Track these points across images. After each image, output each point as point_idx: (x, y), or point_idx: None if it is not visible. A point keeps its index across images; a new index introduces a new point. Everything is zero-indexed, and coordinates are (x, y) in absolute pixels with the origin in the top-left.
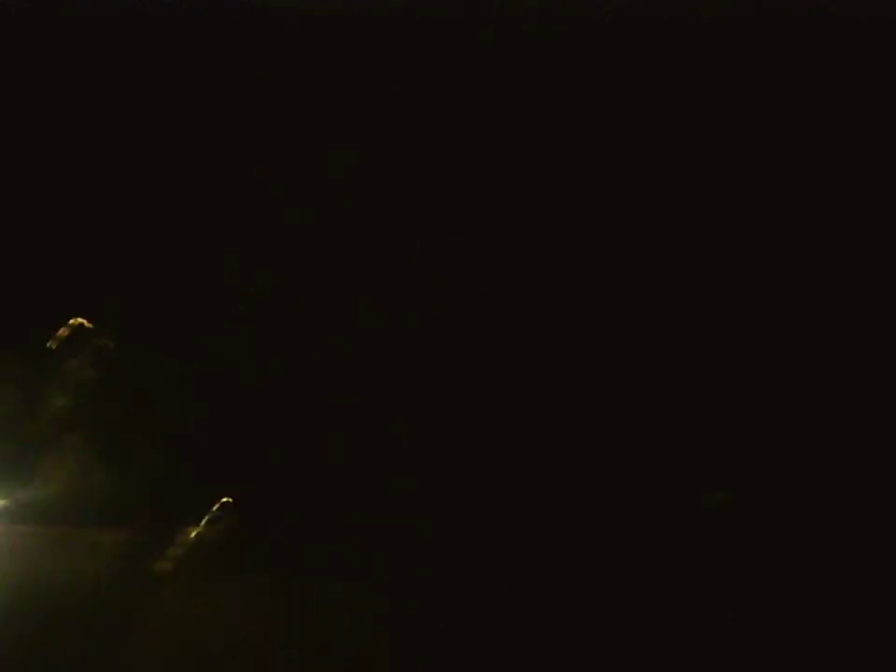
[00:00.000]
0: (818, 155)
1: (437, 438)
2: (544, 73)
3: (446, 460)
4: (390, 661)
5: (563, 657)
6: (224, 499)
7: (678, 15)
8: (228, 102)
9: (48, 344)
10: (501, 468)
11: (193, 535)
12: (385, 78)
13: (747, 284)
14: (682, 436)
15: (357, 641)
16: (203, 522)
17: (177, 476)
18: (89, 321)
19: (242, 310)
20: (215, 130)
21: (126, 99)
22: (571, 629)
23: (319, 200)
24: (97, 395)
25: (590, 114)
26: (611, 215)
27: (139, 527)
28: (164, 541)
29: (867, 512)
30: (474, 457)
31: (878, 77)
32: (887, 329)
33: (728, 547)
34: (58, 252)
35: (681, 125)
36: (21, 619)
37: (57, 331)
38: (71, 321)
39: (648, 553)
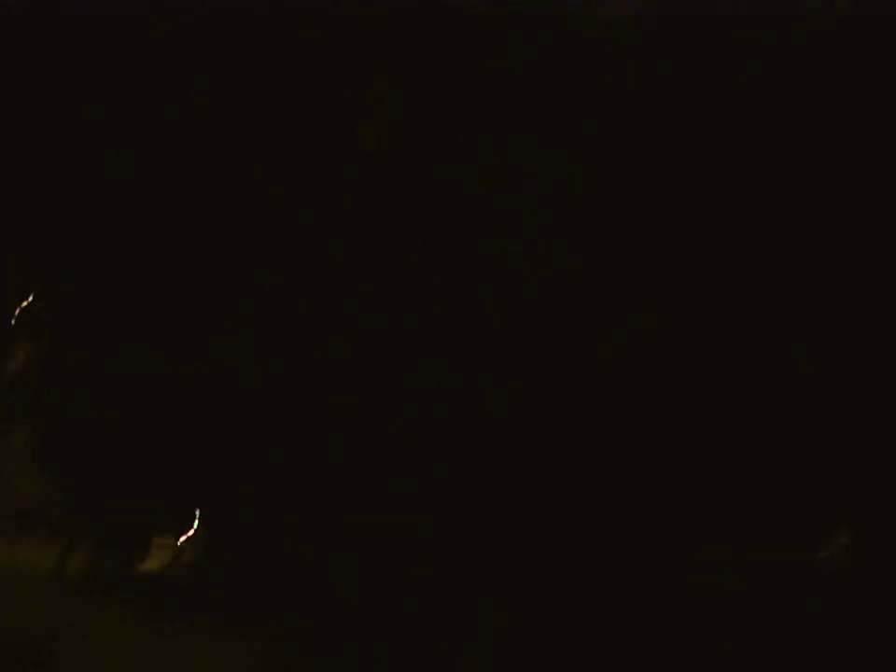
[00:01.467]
0: (819, 158)
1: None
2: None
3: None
4: None
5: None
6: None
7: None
8: (229, 102)
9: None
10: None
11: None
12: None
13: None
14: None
15: None
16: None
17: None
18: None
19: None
20: (215, 130)
21: (127, 99)
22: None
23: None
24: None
25: (593, 117)
26: (615, 218)
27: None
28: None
29: None
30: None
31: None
32: None
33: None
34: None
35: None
36: None
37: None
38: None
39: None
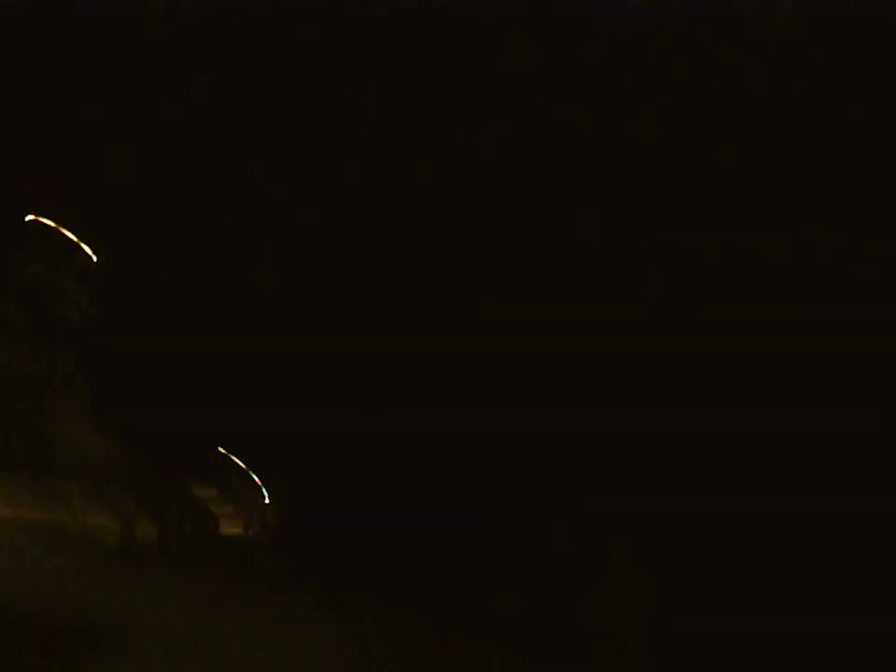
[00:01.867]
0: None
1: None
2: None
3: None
4: None
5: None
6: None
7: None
8: (229, 102)
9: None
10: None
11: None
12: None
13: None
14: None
15: None
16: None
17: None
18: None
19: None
20: (216, 130)
21: (127, 99)
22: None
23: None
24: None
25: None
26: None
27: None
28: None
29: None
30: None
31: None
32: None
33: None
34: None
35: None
36: None
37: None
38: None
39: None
